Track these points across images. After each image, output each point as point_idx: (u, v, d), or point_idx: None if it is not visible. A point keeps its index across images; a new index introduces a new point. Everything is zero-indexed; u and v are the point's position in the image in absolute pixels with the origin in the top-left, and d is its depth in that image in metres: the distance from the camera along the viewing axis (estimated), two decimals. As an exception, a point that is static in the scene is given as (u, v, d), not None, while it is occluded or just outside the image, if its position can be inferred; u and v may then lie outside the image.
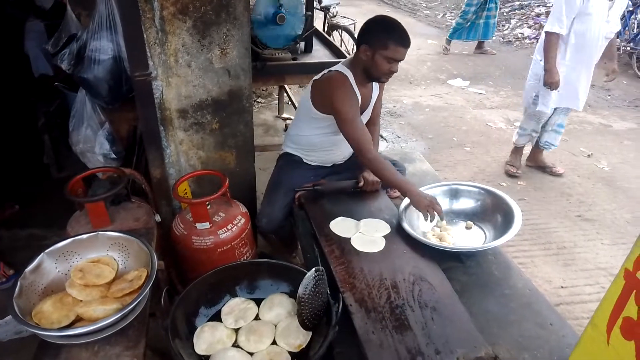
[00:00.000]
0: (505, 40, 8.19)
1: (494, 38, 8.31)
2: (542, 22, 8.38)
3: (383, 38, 1.93)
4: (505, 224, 1.93)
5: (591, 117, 4.98)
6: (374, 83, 2.19)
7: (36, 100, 3.08)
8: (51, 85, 2.84)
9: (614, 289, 0.90)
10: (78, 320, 1.39)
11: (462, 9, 6.86)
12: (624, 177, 3.77)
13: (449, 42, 7.15)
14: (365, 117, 2.25)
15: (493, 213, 2.04)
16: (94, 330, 1.30)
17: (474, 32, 6.92)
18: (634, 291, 0.84)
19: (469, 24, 6.82)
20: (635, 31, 6.71)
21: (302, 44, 3.23)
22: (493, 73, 6.39)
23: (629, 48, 6.67)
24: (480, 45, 7.22)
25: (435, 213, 1.91)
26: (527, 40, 8.04)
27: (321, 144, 2.25)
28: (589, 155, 4.13)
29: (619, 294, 0.88)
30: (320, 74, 2.14)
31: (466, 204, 2.13)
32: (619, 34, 6.82)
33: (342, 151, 2.32)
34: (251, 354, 1.47)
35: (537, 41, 7.82)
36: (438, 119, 4.89)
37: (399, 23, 1.98)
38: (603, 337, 0.92)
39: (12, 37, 3.00)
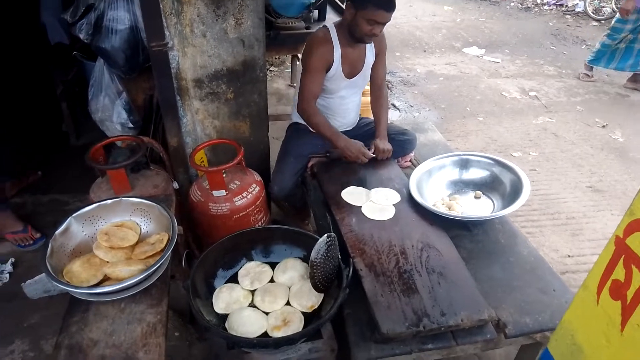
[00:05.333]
0: (523, 6, 7.97)
1: (512, 5, 8.10)
2: (562, -12, 8.11)
3: None
4: (513, 194, 1.97)
5: (607, 87, 4.90)
6: (367, 46, 2.20)
7: (54, 69, 3.13)
8: (67, 53, 2.88)
9: (605, 254, 0.96)
10: (105, 280, 1.48)
11: (612, 24, 4.73)
12: (638, 149, 3.74)
13: (590, 68, 5.08)
14: (361, 79, 2.28)
15: (502, 183, 2.08)
16: (120, 288, 1.40)
17: (626, 60, 4.77)
18: (623, 256, 0.90)
19: (618, 46, 4.72)
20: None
21: (315, 12, 3.22)
22: (510, 41, 6.27)
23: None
24: (636, 78, 4.88)
25: (367, 153, 2.13)
26: (546, 7, 7.82)
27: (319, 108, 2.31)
28: (603, 126, 4.09)
29: (610, 259, 0.94)
30: None
31: (476, 174, 2.17)
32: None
33: (342, 116, 2.36)
34: (266, 313, 1.56)
35: (556, 7, 7.62)
36: (452, 88, 4.85)
37: None
38: (593, 297, 0.99)
39: (28, 6, 3.03)
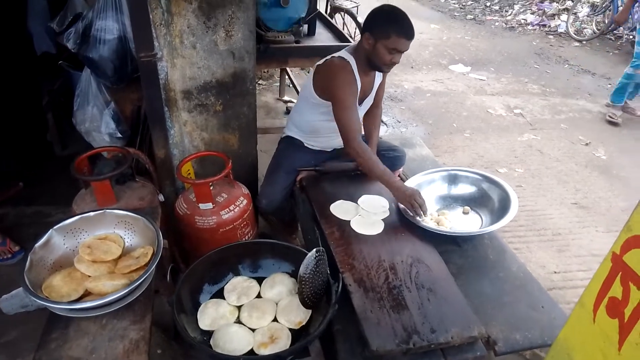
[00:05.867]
0: (508, 26, 8.15)
1: (497, 24, 8.27)
2: (545, 9, 8.33)
3: (385, 28, 1.94)
4: (501, 209, 1.98)
5: (590, 106, 5.00)
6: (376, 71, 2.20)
7: (40, 79, 3.09)
8: (54, 63, 2.84)
9: (601, 270, 0.95)
10: (87, 295, 1.44)
11: (635, 51, 4.38)
12: (621, 166, 3.81)
13: (619, 105, 4.66)
14: (367, 103, 2.28)
15: (490, 199, 2.08)
16: (102, 304, 1.35)
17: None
18: (620, 273, 0.89)
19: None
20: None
21: (305, 27, 3.23)
22: (495, 59, 6.38)
23: (631, 37, 6.64)
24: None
25: (419, 206, 1.88)
26: (529, 27, 8.00)
27: (322, 130, 2.28)
28: (586, 144, 4.16)
29: (606, 276, 0.93)
30: (323, 60, 2.16)
31: (464, 189, 2.17)
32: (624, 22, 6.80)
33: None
34: (253, 330, 1.52)
35: (540, 28, 7.78)
36: (439, 104, 4.90)
37: (404, 14, 1.98)
38: (590, 315, 0.98)
39: (14, 15, 2.99)
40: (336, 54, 2.13)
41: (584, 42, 7.16)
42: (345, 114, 2.00)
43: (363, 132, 2.41)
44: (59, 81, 3.06)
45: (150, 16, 1.83)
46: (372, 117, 2.37)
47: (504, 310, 1.64)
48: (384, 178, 1.98)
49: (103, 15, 2.15)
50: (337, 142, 2.35)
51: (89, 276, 1.46)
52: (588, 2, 7.63)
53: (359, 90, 2.11)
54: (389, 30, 1.93)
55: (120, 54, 2.24)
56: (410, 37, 1.96)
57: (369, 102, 2.28)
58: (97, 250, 1.52)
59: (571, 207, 3.26)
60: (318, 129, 2.28)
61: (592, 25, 7.42)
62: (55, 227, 1.55)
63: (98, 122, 2.37)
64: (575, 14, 7.65)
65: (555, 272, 2.65)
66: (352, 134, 2.00)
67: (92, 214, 1.62)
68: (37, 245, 1.48)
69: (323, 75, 2.11)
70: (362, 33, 2.07)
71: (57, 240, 1.55)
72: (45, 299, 1.35)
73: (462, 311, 1.53)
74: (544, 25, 7.93)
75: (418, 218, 1.90)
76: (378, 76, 2.25)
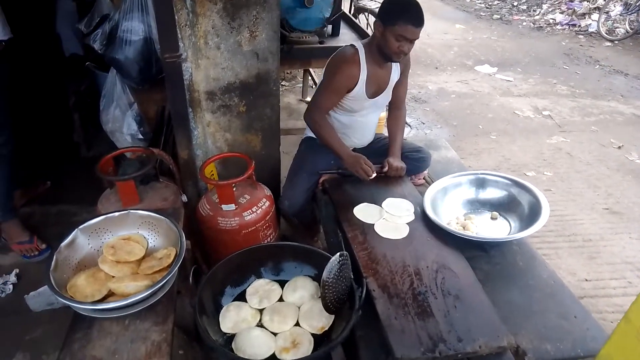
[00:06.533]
0: (536, 25, 7.96)
1: (524, 24, 8.10)
2: (575, 8, 8.11)
3: (393, 15, 1.92)
4: (531, 215, 1.91)
5: (622, 107, 4.83)
6: (393, 65, 2.16)
7: (67, 80, 3.14)
8: (81, 65, 2.89)
9: (650, 284, 0.89)
10: (110, 295, 1.44)
11: None
12: (656, 170, 3.66)
13: None
14: (384, 98, 2.24)
15: (519, 204, 2.01)
16: (125, 305, 1.35)
17: None
18: (672, 288, 0.83)
19: None
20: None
21: (329, 27, 3.21)
22: (522, 60, 6.23)
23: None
24: None
25: (368, 170, 2.05)
26: (558, 27, 7.81)
27: (340, 127, 2.25)
28: (619, 147, 4.02)
29: (656, 290, 0.87)
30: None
31: (492, 193, 2.10)
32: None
33: (360, 134, 2.32)
34: (275, 334, 1.50)
35: (569, 27, 7.57)
36: (463, 105, 4.81)
37: (415, 2, 1.94)
38: (637, 332, 0.91)
39: (44, 17, 3.05)
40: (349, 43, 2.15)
41: (616, 41, 6.94)
42: (323, 92, 2.12)
43: (387, 134, 2.37)
44: (85, 82, 3.10)
45: (176, 17, 1.83)
46: (396, 119, 2.32)
47: (534, 319, 1.58)
48: (334, 148, 2.12)
49: (129, 16, 2.17)
50: (355, 140, 2.33)
51: (113, 276, 1.47)
52: (621, 1, 7.40)
53: (359, 80, 2.08)
54: (396, 17, 1.91)
55: (145, 55, 2.25)
56: (418, 24, 1.92)
57: (384, 98, 2.24)
58: (121, 250, 1.52)
59: (603, 213, 3.14)
60: (337, 128, 2.25)
61: (625, 24, 7.19)
62: (80, 227, 1.56)
63: (120, 123, 2.40)
64: (607, 12, 7.42)
65: (586, 280, 2.55)
66: (318, 105, 2.13)
67: (116, 214, 1.63)
68: (62, 244, 1.49)
69: (329, 63, 2.15)
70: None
71: (81, 240, 1.56)
72: (70, 298, 1.36)
73: (490, 320, 1.48)
74: (574, 25, 7.72)
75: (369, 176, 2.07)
76: (395, 72, 2.20)
